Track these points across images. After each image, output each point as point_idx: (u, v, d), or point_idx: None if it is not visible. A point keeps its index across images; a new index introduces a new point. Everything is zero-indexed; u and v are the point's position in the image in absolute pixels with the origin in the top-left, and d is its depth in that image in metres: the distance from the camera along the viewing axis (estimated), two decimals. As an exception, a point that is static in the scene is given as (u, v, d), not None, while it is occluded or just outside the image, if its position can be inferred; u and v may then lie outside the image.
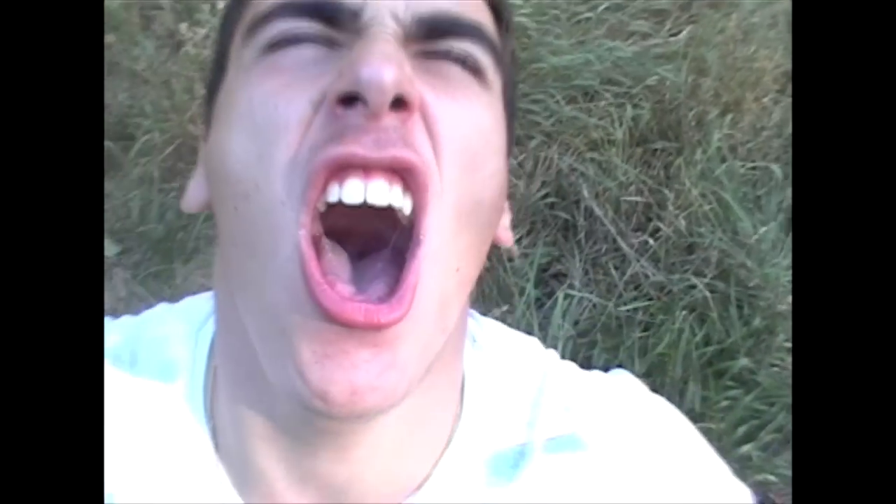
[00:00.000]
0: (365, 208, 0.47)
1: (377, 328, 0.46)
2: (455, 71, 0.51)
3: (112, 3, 2.55)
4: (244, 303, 0.51)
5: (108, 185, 2.19)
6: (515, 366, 0.63)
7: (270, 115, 0.48)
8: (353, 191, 0.46)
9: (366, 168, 0.46)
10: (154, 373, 0.62)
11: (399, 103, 0.46)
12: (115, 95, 2.40)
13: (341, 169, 0.46)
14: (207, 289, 0.64)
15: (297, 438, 0.54)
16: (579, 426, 0.61)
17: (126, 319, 0.67)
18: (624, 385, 0.65)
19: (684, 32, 2.60)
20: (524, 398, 0.62)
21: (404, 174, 0.47)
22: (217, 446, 0.58)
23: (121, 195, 2.19)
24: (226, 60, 0.56)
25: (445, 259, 0.49)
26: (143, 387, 0.61)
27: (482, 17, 0.54)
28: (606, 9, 2.59)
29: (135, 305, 1.54)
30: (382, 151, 0.46)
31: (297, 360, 0.46)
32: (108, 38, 2.52)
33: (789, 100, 2.47)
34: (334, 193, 0.47)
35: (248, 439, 0.56)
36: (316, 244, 0.47)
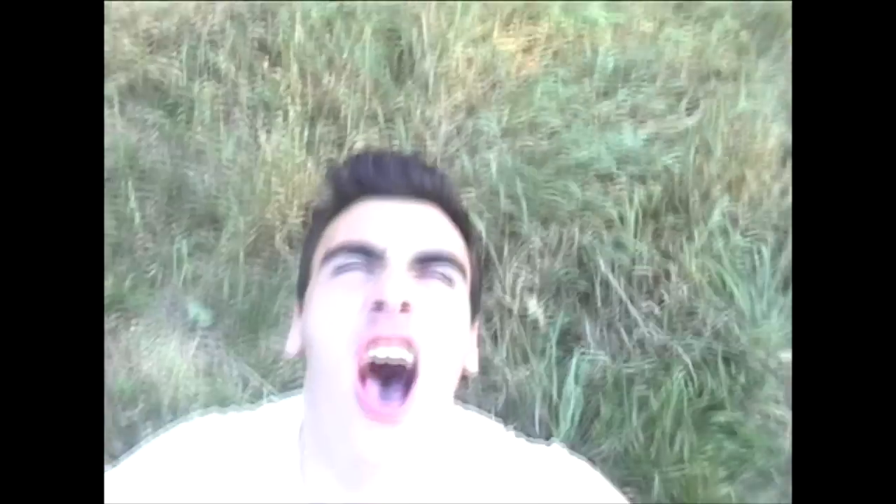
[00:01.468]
0: (387, 361, 0.84)
1: (400, 414, 0.83)
2: (436, 283, 0.89)
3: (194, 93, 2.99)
4: (323, 406, 0.89)
5: (203, 265, 2.60)
6: (482, 430, 1.01)
7: (339, 312, 0.87)
8: (381, 353, 0.84)
9: (387, 341, 0.84)
10: (266, 430, 0.99)
11: (404, 306, 0.84)
12: (203, 179, 2.77)
13: (374, 343, 0.84)
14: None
15: (344, 474, 0.90)
16: (513, 473, 0.96)
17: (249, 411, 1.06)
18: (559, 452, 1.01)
19: (695, 114, 2.96)
20: (485, 465, 0.96)
21: (410, 344, 0.84)
22: (303, 472, 0.94)
23: (212, 273, 2.56)
24: (310, 269, 0.95)
25: (436, 378, 0.86)
26: (255, 434, 0.99)
27: (455, 246, 0.92)
28: (625, 99, 2.96)
29: (227, 367, 1.89)
30: (396, 332, 0.84)
31: (352, 437, 0.83)
32: (196, 128, 2.95)
33: (787, 174, 2.81)
34: (371, 354, 0.84)
35: (318, 465, 0.92)
36: (362, 379, 0.84)
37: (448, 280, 0.89)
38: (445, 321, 0.88)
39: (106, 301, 2.42)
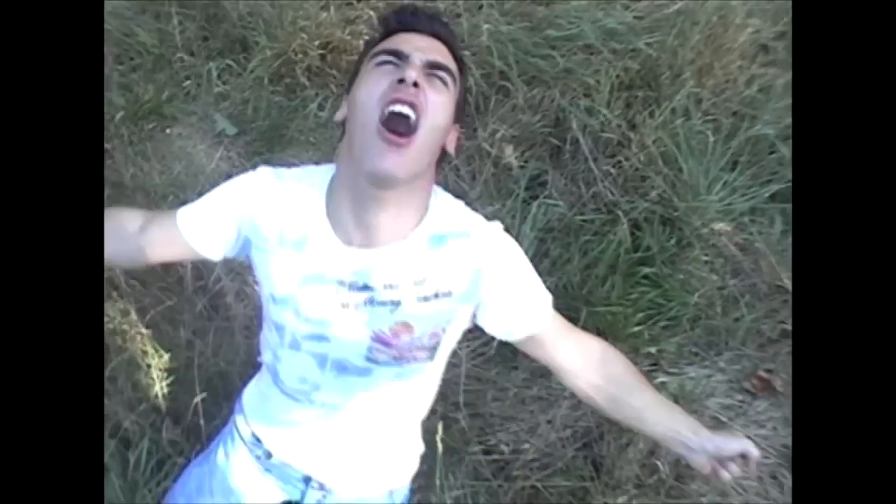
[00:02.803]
0: (401, 116, 1.34)
1: (405, 147, 1.34)
2: (437, 82, 1.41)
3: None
4: (356, 141, 1.39)
5: (231, 84, 2.95)
6: (452, 203, 1.53)
7: (376, 82, 1.38)
8: (396, 108, 1.34)
9: (401, 102, 1.34)
10: (308, 180, 1.52)
11: (415, 84, 1.35)
12: (237, 7, 3.04)
13: (394, 101, 1.34)
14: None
15: (359, 201, 1.43)
16: (470, 230, 1.48)
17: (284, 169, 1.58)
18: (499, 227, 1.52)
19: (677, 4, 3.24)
20: (453, 218, 1.50)
21: (415, 107, 1.34)
22: (327, 212, 1.48)
23: (239, 94, 2.90)
24: (359, 68, 1.45)
25: (428, 135, 1.37)
26: (302, 182, 1.52)
27: (451, 66, 1.45)
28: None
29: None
30: (408, 97, 1.35)
31: (373, 156, 1.35)
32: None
33: (751, 69, 3.14)
34: (390, 108, 1.34)
35: (340, 205, 1.46)
36: (383, 121, 1.34)
37: (444, 83, 1.43)
38: (437, 104, 1.40)
39: (145, 108, 2.81)
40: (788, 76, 3.08)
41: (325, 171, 1.52)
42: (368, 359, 1.47)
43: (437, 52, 1.44)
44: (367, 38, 2.84)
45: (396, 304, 1.43)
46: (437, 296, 1.44)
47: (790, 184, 2.85)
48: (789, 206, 2.82)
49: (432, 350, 1.50)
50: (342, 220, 1.44)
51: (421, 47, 1.42)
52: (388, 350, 1.46)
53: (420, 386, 1.59)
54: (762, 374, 2.64)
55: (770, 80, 3.12)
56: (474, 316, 1.53)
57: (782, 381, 2.62)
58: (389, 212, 1.42)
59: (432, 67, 1.41)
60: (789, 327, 2.67)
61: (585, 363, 1.55)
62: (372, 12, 3.01)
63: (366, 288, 1.44)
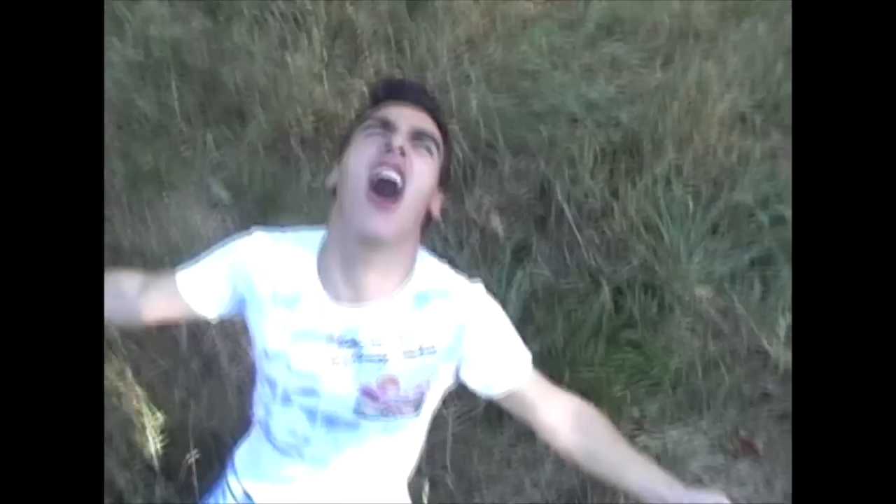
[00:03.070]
0: (388, 182, 1.41)
1: (392, 209, 1.42)
2: (422, 149, 1.48)
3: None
4: (346, 205, 1.46)
5: (228, 152, 3.07)
6: (436, 264, 1.60)
7: (364, 150, 1.45)
8: (383, 172, 1.41)
9: (387, 167, 1.41)
10: (300, 242, 1.59)
11: (401, 150, 1.42)
12: (235, 79, 3.19)
13: (381, 165, 1.41)
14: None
15: (349, 261, 1.50)
16: (453, 289, 1.56)
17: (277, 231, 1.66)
18: (481, 287, 1.60)
19: (667, 70, 3.39)
20: (437, 278, 1.57)
21: (401, 172, 1.42)
22: (318, 271, 1.54)
23: (235, 162, 3.01)
24: (350, 137, 1.52)
25: (413, 199, 1.44)
26: (294, 244, 1.59)
27: (436, 135, 1.53)
28: (607, 51, 3.39)
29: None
30: (394, 162, 1.42)
31: (362, 218, 1.42)
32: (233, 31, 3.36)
33: (730, 138, 3.26)
34: (376, 171, 1.41)
35: (330, 264, 1.52)
36: (371, 186, 1.41)
37: (429, 150, 1.51)
38: (422, 170, 1.48)
39: (144, 174, 2.92)
40: (766, 145, 3.21)
41: (316, 234, 1.60)
42: (357, 412, 1.54)
43: (422, 121, 1.54)
44: (358, 110, 2.96)
45: (383, 359, 1.51)
46: (421, 351, 1.52)
47: (769, 249, 2.96)
48: (768, 271, 2.92)
49: (417, 405, 1.56)
50: (332, 279, 1.52)
51: (407, 116, 1.51)
52: (376, 404, 1.53)
53: (406, 441, 1.65)
54: (743, 435, 2.70)
55: (748, 149, 3.25)
56: (457, 372, 1.60)
57: (763, 442, 2.67)
58: (377, 271, 1.50)
59: (418, 136, 1.50)
60: (769, 390, 2.74)
61: (564, 420, 1.60)
62: (364, 86, 3.12)
63: (354, 343, 1.51)
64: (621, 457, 1.57)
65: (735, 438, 2.70)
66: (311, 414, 1.56)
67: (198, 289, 1.63)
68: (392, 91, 1.59)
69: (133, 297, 1.65)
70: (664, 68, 3.46)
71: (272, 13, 3.33)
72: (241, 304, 1.62)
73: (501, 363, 1.58)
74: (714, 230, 3.05)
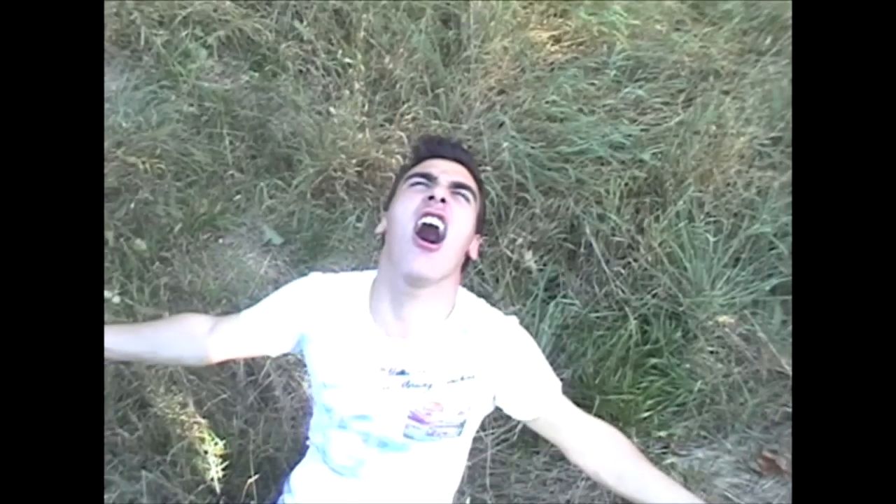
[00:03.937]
0: (432, 227, 1.63)
1: (436, 252, 1.63)
2: (461, 199, 1.71)
3: (280, 51, 3.55)
4: (394, 249, 1.69)
5: (277, 198, 3.25)
6: (475, 301, 1.81)
7: (410, 201, 1.68)
8: (427, 220, 1.64)
9: (431, 215, 1.63)
10: (353, 283, 1.81)
11: (443, 200, 1.64)
12: (282, 128, 3.38)
13: (425, 214, 1.64)
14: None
15: (397, 299, 1.72)
16: (491, 323, 1.77)
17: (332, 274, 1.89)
18: (515, 321, 1.80)
19: (688, 110, 3.55)
20: (476, 313, 1.79)
21: (443, 219, 1.64)
22: (370, 309, 1.76)
23: (284, 207, 3.19)
24: (396, 190, 1.76)
25: (454, 242, 1.66)
26: (348, 284, 1.81)
27: (472, 186, 1.76)
28: (630, 93, 3.57)
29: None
30: (437, 211, 1.64)
31: (409, 260, 1.64)
32: (279, 83, 3.54)
33: (749, 173, 3.43)
34: (422, 220, 1.63)
35: (380, 302, 1.75)
36: (417, 232, 1.63)
37: (466, 199, 1.73)
38: (461, 216, 1.70)
39: (201, 220, 3.12)
40: (784, 178, 3.36)
41: (367, 276, 1.81)
42: (406, 435, 1.73)
43: (459, 174, 1.75)
44: (398, 155, 3.18)
45: (429, 386, 1.70)
46: (462, 378, 1.71)
47: (789, 277, 3.11)
48: (789, 299, 3.06)
49: (460, 427, 1.76)
50: (383, 315, 1.73)
51: (446, 170, 1.73)
52: (423, 426, 1.72)
53: (451, 461, 1.84)
54: (767, 454, 2.85)
55: (767, 182, 3.40)
56: (494, 398, 1.79)
57: (786, 460, 2.82)
58: (422, 307, 1.70)
59: (456, 187, 1.71)
60: (790, 409, 2.88)
61: (591, 442, 1.78)
62: (403, 133, 3.33)
63: (403, 373, 1.71)
64: (646, 476, 1.73)
65: (759, 457, 2.85)
66: (366, 437, 1.76)
67: (263, 329, 1.83)
68: (432, 148, 1.81)
69: (202, 339, 1.84)
70: (685, 107, 3.61)
71: (315, 67, 3.51)
72: (301, 341, 1.83)
73: (532, 390, 1.77)
74: (736, 261, 3.18)
